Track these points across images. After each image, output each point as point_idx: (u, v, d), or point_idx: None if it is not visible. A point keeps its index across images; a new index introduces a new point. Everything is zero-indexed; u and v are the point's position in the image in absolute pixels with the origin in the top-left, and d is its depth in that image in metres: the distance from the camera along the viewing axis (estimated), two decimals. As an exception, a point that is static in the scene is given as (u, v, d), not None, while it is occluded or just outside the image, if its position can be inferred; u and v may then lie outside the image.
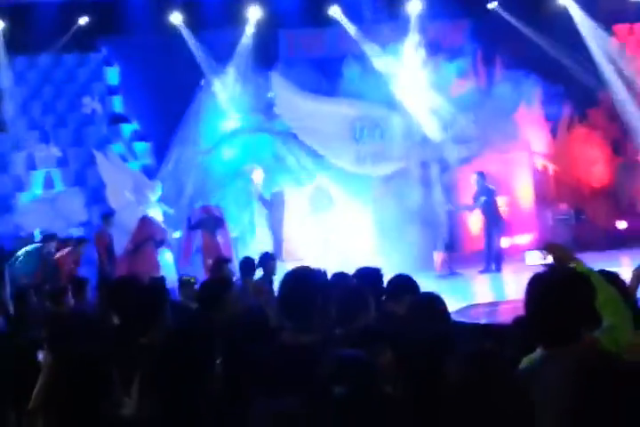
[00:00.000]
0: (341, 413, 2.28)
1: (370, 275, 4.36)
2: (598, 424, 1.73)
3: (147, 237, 10.10)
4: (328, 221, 12.08)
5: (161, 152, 12.52)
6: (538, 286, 2.40)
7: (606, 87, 12.39)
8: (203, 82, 12.50)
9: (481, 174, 11.22)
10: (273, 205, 10.78)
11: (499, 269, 10.76)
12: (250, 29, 12.68)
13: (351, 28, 12.66)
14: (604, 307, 2.78)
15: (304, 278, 3.09)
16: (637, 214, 12.15)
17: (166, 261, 10.44)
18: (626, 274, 3.78)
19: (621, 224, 11.88)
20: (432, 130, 12.40)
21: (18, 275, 9.11)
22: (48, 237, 9.78)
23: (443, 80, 12.47)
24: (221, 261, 6.39)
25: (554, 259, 3.05)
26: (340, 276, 4.53)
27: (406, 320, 3.24)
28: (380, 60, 12.27)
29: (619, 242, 11.46)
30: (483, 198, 10.99)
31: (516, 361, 2.47)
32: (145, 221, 10.36)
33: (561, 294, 2.33)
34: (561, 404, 2.00)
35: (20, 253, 9.62)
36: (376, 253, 11.56)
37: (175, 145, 12.28)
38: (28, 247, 9.80)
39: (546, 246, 3.11)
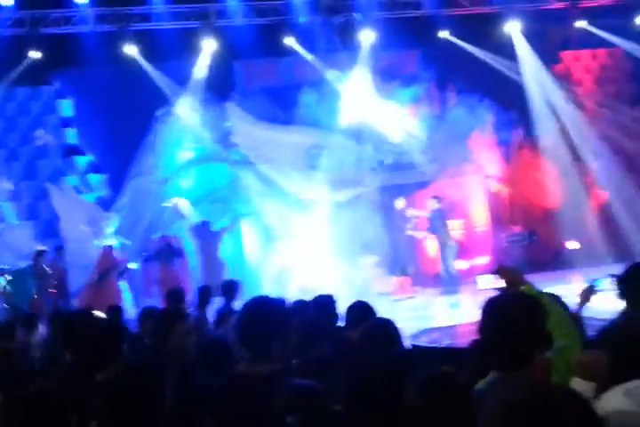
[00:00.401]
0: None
1: (325, 302, 4.41)
2: None
3: (110, 267, 9.96)
4: (286, 249, 12.10)
5: (116, 183, 12.43)
6: (491, 311, 2.39)
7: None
8: (158, 113, 12.50)
9: (437, 198, 11.38)
10: (198, 236, 10.74)
11: (456, 292, 10.88)
12: (205, 61, 12.77)
13: (307, 57, 12.87)
14: (554, 328, 2.85)
15: (263, 308, 3.04)
16: (587, 235, 12.44)
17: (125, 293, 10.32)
18: (575, 292, 3.90)
19: (571, 244, 12.14)
20: (386, 155, 12.64)
21: (13, 296, 8.93)
22: (39, 254, 9.56)
23: (397, 107, 12.73)
24: (174, 292, 6.31)
25: (505, 282, 3.11)
26: (298, 304, 4.55)
27: (360, 346, 3.26)
28: (338, 86, 12.51)
29: (569, 261, 11.72)
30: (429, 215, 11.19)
31: (474, 384, 2.47)
32: (107, 252, 10.22)
33: (515, 319, 2.33)
34: None
35: (8, 275, 9.44)
36: (334, 279, 11.60)
37: (131, 176, 12.21)
38: (22, 265, 9.59)
39: (497, 270, 3.16)
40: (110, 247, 10.49)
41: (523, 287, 3.04)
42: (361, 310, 4.13)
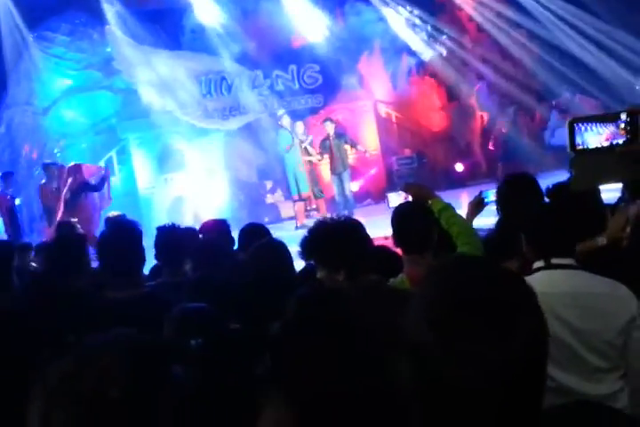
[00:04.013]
0: (201, 363, 2.29)
1: (217, 226, 4.40)
2: None
3: (80, 184, 9.31)
4: (181, 179, 11.91)
5: (-10, 114, 11.60)
6: (396, 214, 2.96)
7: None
8: (31, 37, 11.61)
9: (330, 120, 11.27)
10: None
11: (351, 214, 11.10)
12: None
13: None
14: (458, 237, 3.05)
15: (120, 231, 3.00)
16: (473, 155, 13.00)
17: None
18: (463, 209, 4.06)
19: (458, 167, 12.65)
20: (279, 81, 12.50)
21: None
22: None
23: (285, 31, 12.47)
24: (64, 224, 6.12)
25: (413, 197, 3.22)
26: (188, 230, 4.48)
27: (249, 266, 3.27)
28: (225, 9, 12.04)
29: (458, 182, 12.24)
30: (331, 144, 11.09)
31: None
32: (76, 169, 9.54)
33: (412, 215, 2.91)
34: None
35: None
36: (231, 208, 11.61)
37: (6, 106, 11.42)
38: None
39: (404, 187, 3.29)
40: (79, 165, 9.81)
41: (430, 201, 3.17)
42: (252, 233, 4.10)
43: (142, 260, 2.99)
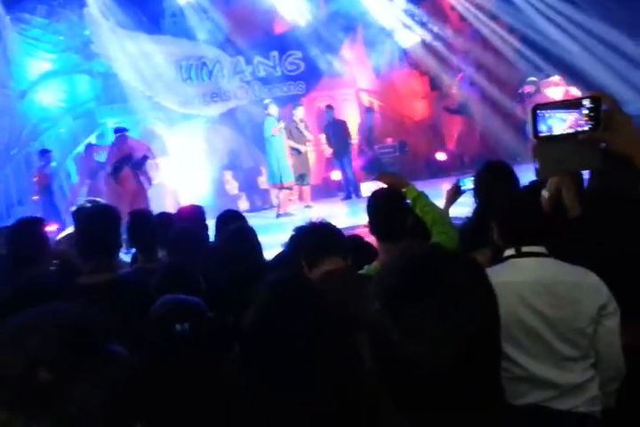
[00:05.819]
0: (185, 348, 2.27)
1: (192, 212, 4.35)
2: None
3: (125, 157, 9.12)
4: (162, 165, 11.78)
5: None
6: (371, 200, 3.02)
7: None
8: (7, 19, 11.39)
9: (331, 107, 11.64)
10: None
11: (359, 196, 11.11)
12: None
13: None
14: (433, 225, 3.04)
15: (99, 216, 2.97)
16: (454, 144, 13.00)
17: None
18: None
19: (441, 156, 12.65)
20: (260, 68, 12.40)
21: None
22: None
23: (267, 16, 12.35)
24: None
25: (387, 186, 3.21)
26: (162, 216, 4.43)
27: (219, 252, 3.23)
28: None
29: (439, 171, 12.25)
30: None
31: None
32: (121, 141, 9.40)
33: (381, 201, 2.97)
34: None
35: None
36: (213, 194, 11.55)
37: (-19, 89, 11.23)
38: None
39: (378, 176, 3.28)
40: (124, 136, 9.62)
41: (404, 189, 3.17)
42: (228, 219, 4.07)
43: (118, 245, 2.95)
